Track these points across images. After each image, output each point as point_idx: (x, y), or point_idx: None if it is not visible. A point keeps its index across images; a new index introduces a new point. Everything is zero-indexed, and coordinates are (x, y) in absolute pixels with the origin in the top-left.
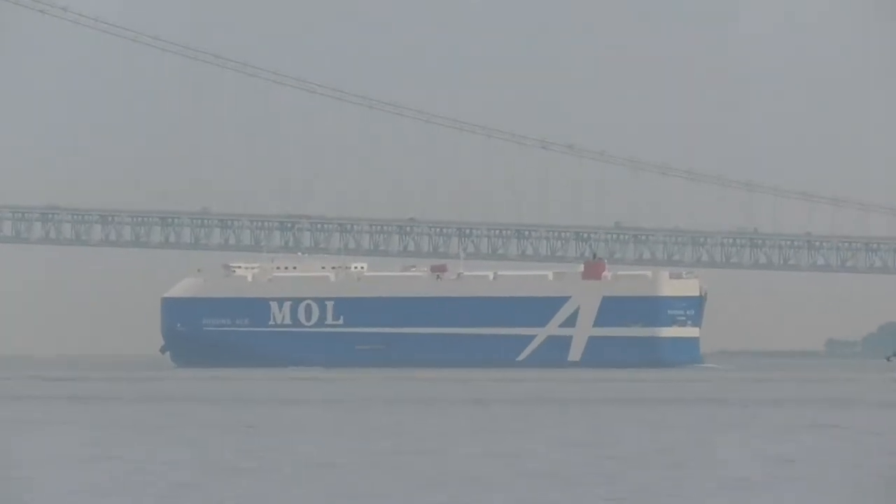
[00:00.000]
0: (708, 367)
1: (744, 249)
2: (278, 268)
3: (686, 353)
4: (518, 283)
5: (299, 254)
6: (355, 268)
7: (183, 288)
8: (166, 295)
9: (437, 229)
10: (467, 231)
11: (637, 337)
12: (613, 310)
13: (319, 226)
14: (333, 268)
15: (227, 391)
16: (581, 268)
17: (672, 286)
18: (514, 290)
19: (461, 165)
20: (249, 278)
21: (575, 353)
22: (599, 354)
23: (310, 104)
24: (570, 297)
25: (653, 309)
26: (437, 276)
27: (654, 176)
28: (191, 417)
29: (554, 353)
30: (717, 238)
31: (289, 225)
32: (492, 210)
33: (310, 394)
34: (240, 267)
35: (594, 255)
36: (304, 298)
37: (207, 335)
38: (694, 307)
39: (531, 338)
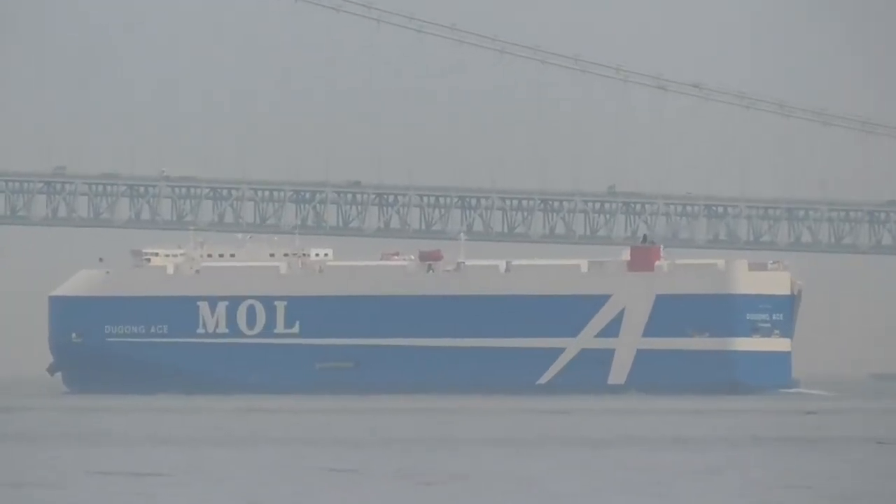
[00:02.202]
0: (805, 392)
1: None
2: (210, 255)
3: (772, 373)
4: (540, 277)
5: (239, 235)
6: (316, 254)
7: (78, 284)
8: (55, 293)
9: (428, 198)
10: (470, 201)
11: (703, 351)
12: (671, 313)
13: (346, 196)
14: (286, 255)
15: (137, 428)
16: (626, 254)
17: (753, 280)
18: (535, 285)
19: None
20: (170, 269)
21: (618, 374)
22: (651, 375)
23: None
24: (611, 295)
25: (725, 312)
26: (429, 266)
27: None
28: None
29: (588, 374)
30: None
31: (307, 195)
32: (504, 172)
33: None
34: (156, 254)
35: (644, 238)
36: (246, 297)
37: (112, 349)
38: (783, 310)
39: (557, 352)
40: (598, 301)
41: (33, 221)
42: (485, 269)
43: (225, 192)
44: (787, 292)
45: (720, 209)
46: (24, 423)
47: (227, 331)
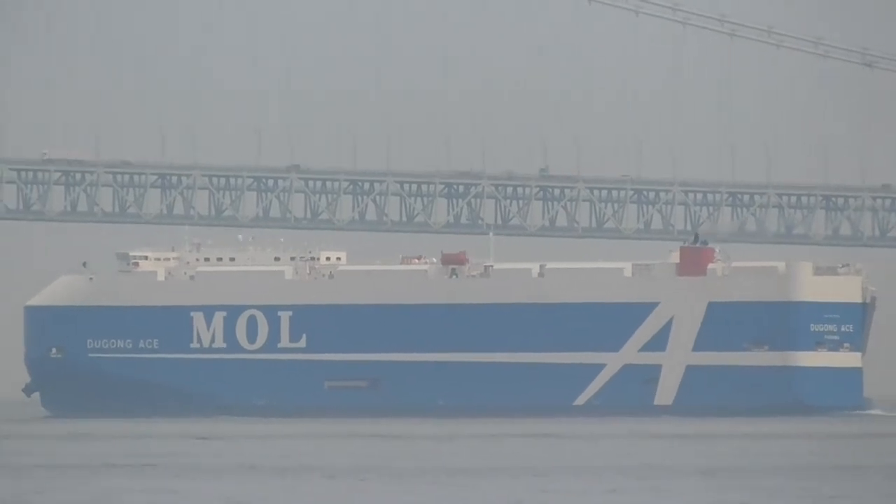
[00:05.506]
0: (879, 414)
1: None
2: (206, 259)
3: (840, 393)
4: (577, 282)
5: (239, 237)
6: (327, 258)
7: (57, 291)
8: (31, 302)
9: (457, 187)
10: (506, 190)
11: (761, 367)
12: (725, 323)
13: (362, 186)
14: (293, 258)
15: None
16: (675, 256)
17: (818, 286)
18: (572, 292)
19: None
20: (161, 275)
21: (665, 394)
22: (702, 395)
23: None
24: (658, 303)
25: (787, 322)
26: (452, 270)
27: None
28: None
29: (632, 394)
30: None
31: (318, 185)
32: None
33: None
34: (145, 257)
35: (696, 237)
36: (246, 307)
37: (95, 366)
38: (853, 320)
39: (597, 369)
40: (644, 310)
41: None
42: (515, 273)
43: (222, 182)
44: (858, 300)
45: (793, 199)
46: (2, 452)
47: (224, 345)
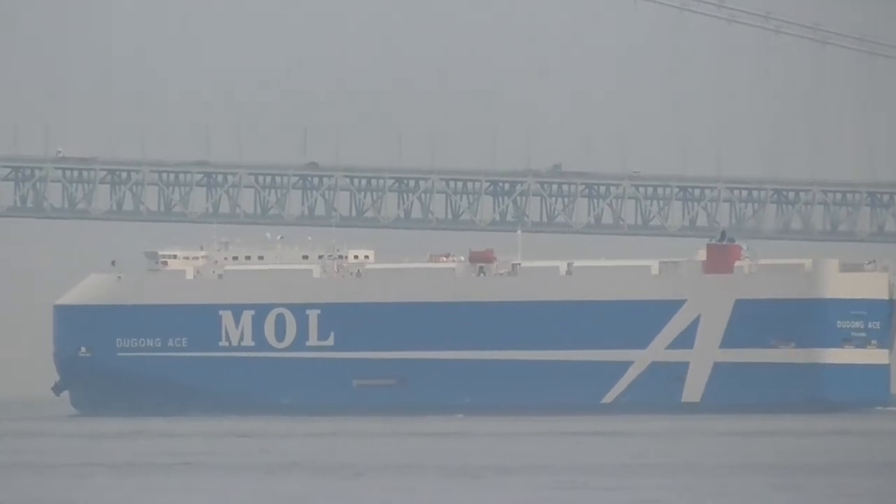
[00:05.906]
0: None
1: None
2: (235, 257)
3: (867, 389)
4: (605, 280)
5: (268, 235)
6: (355, 256)
7: (86, 290)
8: (60, 301)
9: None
10: (551, 188)
11: (788, 364)
12: (752, 321)
13: (407, 184)
14: (321, 257)
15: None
16: (701, 254)
17: (844, 283)
18: (599, 290)
19: None
20: (189, 274)
21: (693, 391)
22: (729, 392)
23: None
24: (685, 300)
25: (813, 319)
26: (480, 268)
27: None
28: None
29: (659, 391)
30: None
31: (362, 183)
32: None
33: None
34: (174, 256)
35: (722, 234)
36: (275, 305)
37: (124, 365)
38: (880, 316)
39: (624, 367)
40: (671, 307)
41: (46, 213)
42: (543, 271)
43: (268, 180)
44: (885, 296)
45: (838, 195)
46: (36, 451)
47: (253, 343)
